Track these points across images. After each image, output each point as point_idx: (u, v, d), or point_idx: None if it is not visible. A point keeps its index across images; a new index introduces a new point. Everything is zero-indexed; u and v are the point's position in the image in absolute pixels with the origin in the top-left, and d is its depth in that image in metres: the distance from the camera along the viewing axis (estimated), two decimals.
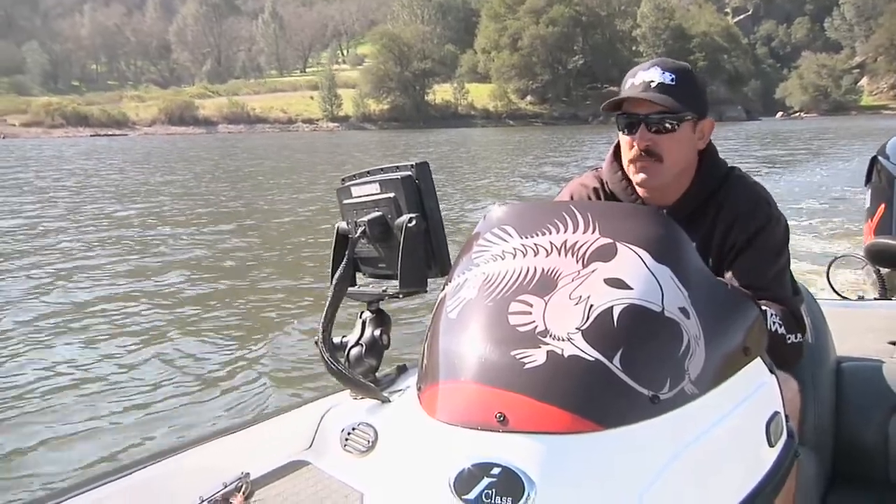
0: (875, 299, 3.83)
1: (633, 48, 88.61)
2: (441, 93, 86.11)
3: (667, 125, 1.60)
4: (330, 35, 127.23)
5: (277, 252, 9.50)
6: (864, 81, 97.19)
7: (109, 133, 70.98)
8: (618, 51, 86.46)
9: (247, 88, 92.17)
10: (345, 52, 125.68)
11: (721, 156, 1.73)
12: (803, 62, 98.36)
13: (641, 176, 1.65)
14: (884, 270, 3.95)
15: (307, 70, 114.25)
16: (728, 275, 1.60)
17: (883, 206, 4.12)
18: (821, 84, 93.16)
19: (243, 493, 1.32)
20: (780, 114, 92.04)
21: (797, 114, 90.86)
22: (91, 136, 68.51)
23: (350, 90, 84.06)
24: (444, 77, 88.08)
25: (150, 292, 7.24)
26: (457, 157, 29.44)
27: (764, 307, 1.44)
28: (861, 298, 3.77)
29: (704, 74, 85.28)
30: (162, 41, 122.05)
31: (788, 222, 1.69)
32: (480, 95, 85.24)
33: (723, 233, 1.65)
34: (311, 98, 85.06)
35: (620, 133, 1.67)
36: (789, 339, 1.56)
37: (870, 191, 4.35)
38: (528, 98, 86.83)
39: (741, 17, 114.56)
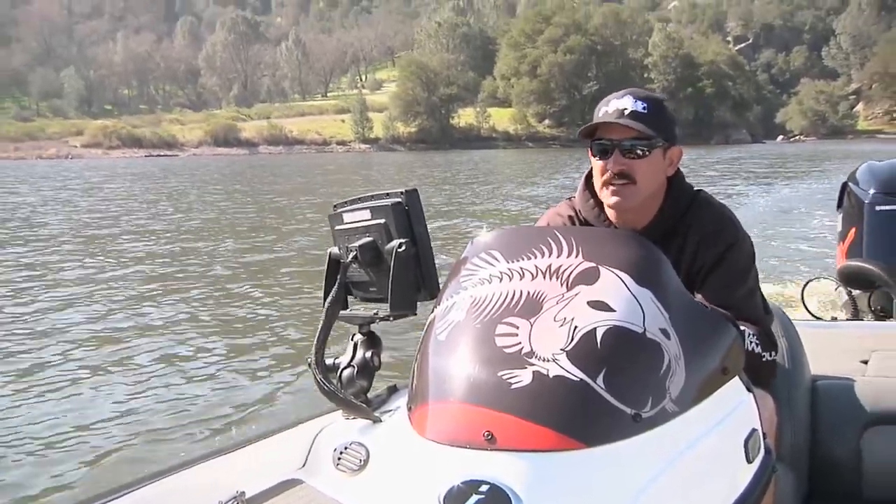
0: (847, 320, 3.90)
1: (645, 75, 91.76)
2: (465, 116, 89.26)
3: (639, 151, 1.62)
4: (349, 61, 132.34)
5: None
6: (859, 107, 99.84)
7: (161, 154, 74.10)
8: (631, 78, 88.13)
9: (277, 112, 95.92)
10: (363, 77, 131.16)
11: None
12: (802, 88, 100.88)
13: (615, 199, 1.66)
14: (855, 292, 4.02)
15: (328, 94, 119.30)
16: (699, 296, 1.62)
17: (853, 230, 4.14)
18: (819, 109, 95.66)
19: None
20: (780, 137, 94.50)
21: (797, 137, 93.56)
22: (145, 156, 71.19)
23: (377, 114, 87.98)
24: (466, 102, 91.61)
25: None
26: (486, 175, 30.92)
27: (742, 327, 1.47)
28: (834, 319, 3.83)
29: (712, 100, 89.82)
30: (189, 66, 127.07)
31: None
32: (501, 119, 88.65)
33: (692, 253, 1.70)
34: (343, 121, 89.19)
35: (593, 158, 1.69)
36: (764, 357, 1.63)
37: (841, 215, 4.38)
38: (546, 121, 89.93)
39: (742, 45, 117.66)
